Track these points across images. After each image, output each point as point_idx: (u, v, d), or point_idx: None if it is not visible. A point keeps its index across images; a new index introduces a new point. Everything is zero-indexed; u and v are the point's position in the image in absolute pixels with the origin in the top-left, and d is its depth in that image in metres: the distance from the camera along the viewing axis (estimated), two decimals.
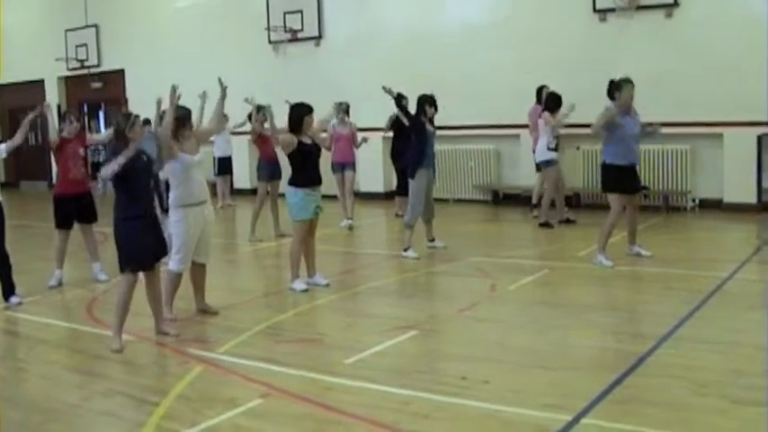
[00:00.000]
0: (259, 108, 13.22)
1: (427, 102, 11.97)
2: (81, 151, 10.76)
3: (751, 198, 14.70)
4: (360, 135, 14.75)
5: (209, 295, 9.09)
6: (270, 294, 10.14)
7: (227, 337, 7.99)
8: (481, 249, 12.14)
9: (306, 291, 9.73)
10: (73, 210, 10.53)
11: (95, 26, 24.67)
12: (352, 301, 9.71)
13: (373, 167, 18.11)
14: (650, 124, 10.94)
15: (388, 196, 18.57)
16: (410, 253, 11.60)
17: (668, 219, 14.67)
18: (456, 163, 17.94)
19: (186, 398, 6.39)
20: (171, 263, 8.54)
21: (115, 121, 8.02)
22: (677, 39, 15.01)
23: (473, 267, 10.96)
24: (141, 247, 7.69)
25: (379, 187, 18.47)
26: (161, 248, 8.00)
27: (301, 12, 19.83)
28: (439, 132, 17.41)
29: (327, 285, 9.99)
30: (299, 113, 9.79)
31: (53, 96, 26.36)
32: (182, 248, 8.48)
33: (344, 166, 14.57)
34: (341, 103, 14.30)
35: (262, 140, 13.63)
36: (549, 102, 14.00)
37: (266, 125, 13.02)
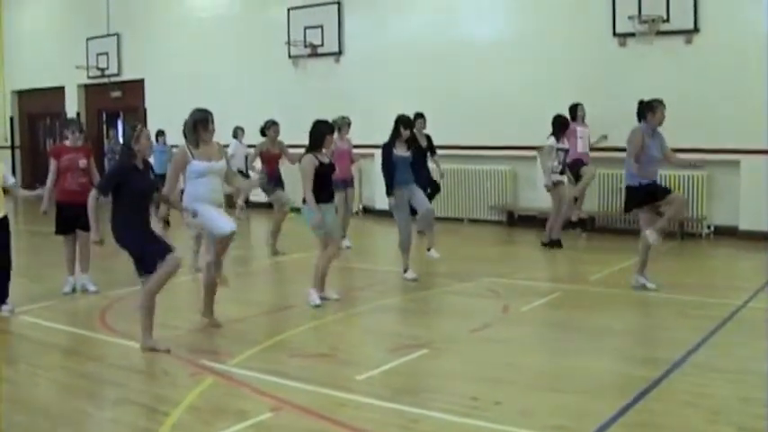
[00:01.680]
0: (271, 123, 13.53)
1: (402, 123, 11.61)
2: (82, 163, 10.67)
3: (766, 226, 14.65)
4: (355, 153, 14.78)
5: (222, 307, 9.10)
6: (283, 308, 10.14)
7: (239, 349, 7.99)
8: (495, 270, 12.13)
9: (318, 306, 9.75)
10: (72, 216, 10.44)
11: (117, 35, 24.77)
12: (364, 318, 9.71)
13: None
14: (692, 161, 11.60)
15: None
16: (409, 274, 11.48)
17: (683, 245, 14.62)
18: (471, 183, 17.91)
19: (197, 409, 6.40)
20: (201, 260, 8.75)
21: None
22: (696, 64, 15.00)
23: (486, 288, 10.95)
24: (152, 251, 7.80)
25: None
26: (167, 251, 7.97)
27: (322, 27, 19.89)
28: (454, 152, 17.56)
29: (338, 299, 10.12)
30: (322, 131, 9.81)
31: (72, 103, 26.52)
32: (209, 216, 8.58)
33: (347, 183, 14.29)
34: (343, 118, 14.23)
35: (268, 158, 13.75)
36: (555, 125, 14.02)
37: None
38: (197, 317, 9.17)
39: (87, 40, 25.35)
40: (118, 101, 25.51)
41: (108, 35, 24.87)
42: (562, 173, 14.13)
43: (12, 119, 28.43)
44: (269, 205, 14.75)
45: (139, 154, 7.82)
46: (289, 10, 20.35)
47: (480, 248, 14.37)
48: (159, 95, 23.63)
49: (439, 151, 16.58)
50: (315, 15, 19.96)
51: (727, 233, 15.06)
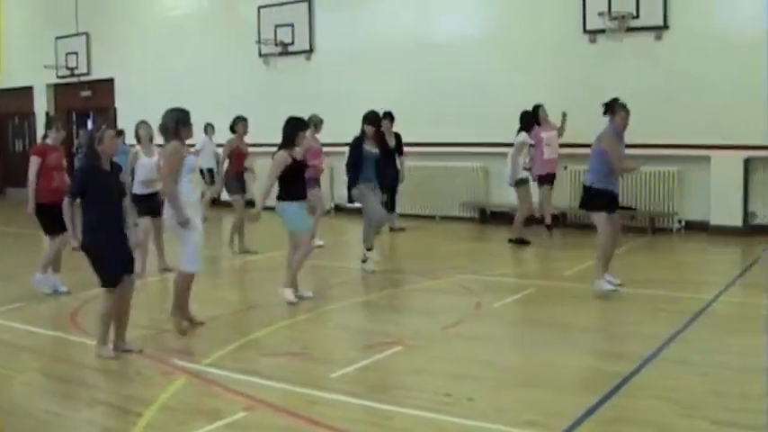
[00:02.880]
0: (240, 119, 13.46)
1: (365, 120, 11.79)
2: (64, 161, 10.71)
3: (737, 221, 14.77)
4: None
5: (192, 307, 9.06)
6: (255, 307, 10.13)
7: (211, 348, 7.96)
8: (467, 267, 12.14)
9: (294, 303, 9.74)
10: (58, 215, 10.28)
11: (86, 34, 24.63)
12: (337, 316, 9.71)
13: None
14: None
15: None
16: (368, 265, 11.85)
17: (654, 240, 14.72)
18: (443, 180, 17.92)
19: (170, 409, 6.37)
20: (186, 267, 8.54)
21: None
22: (666, 61, 15.07)
23: (458, 284, 10.96)
24: (114, 261, 7.67)
25: None
26: (131, 263, 7.92)
27: (292, 25, 19.86)
28: (426, 149, 17.58)
29: (311, 297, 10.03)
30: (295, 128, 9.82)
31: (41, 103, 26.34)
32: (194, 250, 8.49)
33: (318, 182, 14.13)
34: (315, 116, 14.18)
35: (237, 155, 13.66)
36: (523, 121, 14.24)
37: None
38: (166, 316, 9.13)
39: (56, 39, 25.19)
40: (88, 100, 25.37)
41: (77, 34, 24.73)
42: (529, 169, 14.22)
43: None
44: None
45: (103, 155, 7.69)
46: (259, 8, 20.32)
47: (453, 245, 14.39)
48: (129, 95, 23.50)
49: (411, 148, 16.65)
50: (285, 13, 19.93)
51: (698, 228, 15.16)
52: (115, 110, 24.07)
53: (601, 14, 15.36)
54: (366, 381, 6.98)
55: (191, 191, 8.48)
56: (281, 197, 9.83)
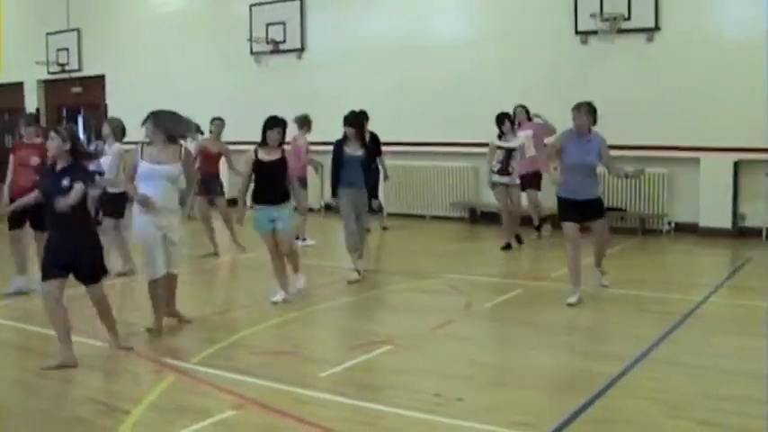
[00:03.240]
0: (213, 119, 13.31)
1: (346, 122, 11.57)
2: (33, 160, 10.41)
3: (726, 223, 14.81)
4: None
5: (182, 305, 9.04)
6: (244, 306, 10.13)
7: (200, 347, 7.96)
8: (456, 267, 12.16)
9: (275, 304, 9.70)
10: (25, 212, 9.89)
11: (77, 30, 24.53)
12: (326, 315, 9.71)
13: None
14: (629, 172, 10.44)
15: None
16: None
17: (644, 241, 14.75)
18: (433, 180, 17.92)
19: (158, 407, 6.37)
20: (145, 272, 8.53)
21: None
22: (658, 63, 15.09)
23: (448, 285, 10.97)
24: (50, 259, 7.46)
25: None
26: (81, 265, 7.56)
27: (284, 24, 19.81)
28: (416, 149, 17.58)
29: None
30: (264, 128, 9.84)
31: (32, 99, 26.27)
32: (149, 254, 8.39)
33: (304, 181, 14.06)
34: (305, 116, 14.13)
35: (204, 155, 13.32)
36: (496, 123, 13.75)
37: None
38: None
39: (47, 34, 25.08)
40: (79, 97, 25.29)
41: (68, 30, 24.62)
42: (502, 173, 13.61)
43: None
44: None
45: (50, 156, 7.51)
46: (251, 6, 20.26)
47: (442, 245, 14.39)
48: (120, 91, 23.43)
49: (401, 147, 16.67)
50: (277, 11, 19.88)
51: (688, 230, 15.19)
52: (106, 106, 24.01)
53: (592, 16, 15.37)
54: (355, 380, 6.98)
55: (164, 197, 8.34)
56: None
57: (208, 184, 13.33)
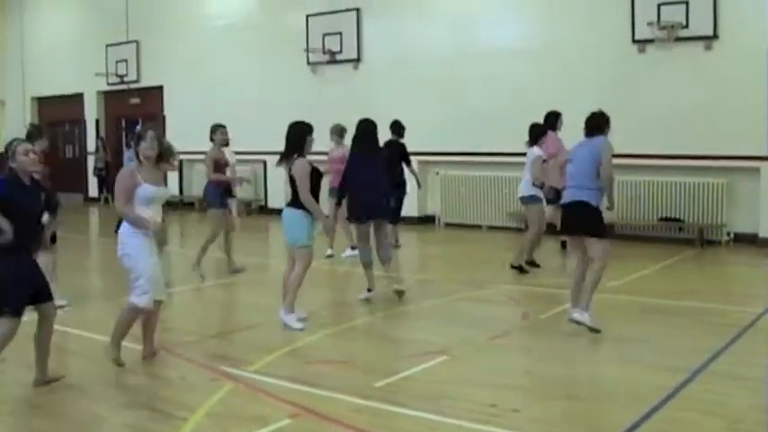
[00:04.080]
0: (216, 126, 12.66)
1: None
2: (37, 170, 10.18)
3: None
4: None
5: (240, 313, 9.09)
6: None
7: (257, 356, 8.00)
8: (513, 277, 12.10)
9: (302, 330, 9.07)
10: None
11: (136, 42, 24.88)
12: (383, 325, 9.72)
13: (408, 191, 17.93)
14: None
15: (421, 220, 18.57)
16: (365, 294, 10.62)
17: (703, 252, 14.57)
18: (490, 190, 17.86)
19: (215, 415, 6.41)
20: (133, 295, 7.68)
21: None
22: (715, 71, 14.93)
23: (505, 295, 10.94)
24: (15, 288, 6.86)
25: (413, 211, 18.42)
26: (44, 290, 7.16)
27: (341, 34, 19.90)
28: (472, 159, 17.56)
29: (301, 330, 9.13)
30: (301, 133, 9.22)
31: (92, 110, 26.64)
32: (146, 282, 7.63)
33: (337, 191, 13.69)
34: (337, 125, 14.05)
35: (217, 165, 12.59)
36: (531, 135, 12.82)
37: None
38: (215, 322, 9.19)
39: (107, 46, 25.48)
40: (137, 108, 25.60)
41: (127, 42, 24.99)
42: (542, 187, 12.59)
43: (31, 125, 28.48)
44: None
45: (19, 172, 6.86)
46: (308, 17, 20.37)
47: (499, 255, 14.28)
48: (178, 102, 23.70)
49: (456, 157, 16.68)
50: (334, 22, 19.97)
51: (747, 240, 14.99)
52: (164, 117, 24.26)
53: (650, 24, 15.26)
54: (411, 390, 6.97)
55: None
56: (290, 203, 9.27)
57: (224, 195, 12.67)
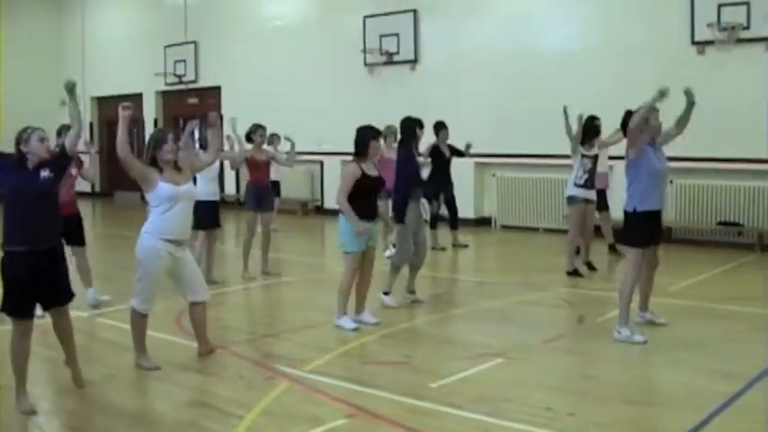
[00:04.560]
0: (256, 127, 12.62)
1: (419, 125, 10.85)
2: (73, 171, 10.05)
3: None
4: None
5: (296, 313, 9.13)
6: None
7: (313, 355, 8.04)
8: (569, 280, 12.02)
9: (356, 329, 9.09)
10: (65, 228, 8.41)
11: (194, 43, 25.10)
12: (438, 326, 9.72)
13: (464, 193, 17.93)
14: None
15: (476, 222, 18.52)
16: (387, 299, 10.31)
17: (762, 257, 14.36)
18: (546, 192, 17.74)
19: (270, 413, 6.45)
20: (132, 300, 7.84)
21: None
22: None
23: (561, 298, 10.89)
24: (17, 291, 6.60)
25: (469, 213, 18.40)
26: (55, 295, 6.90)
27: (398, 35, 19.90)
28: (529, 161, 17.49)
29: (377, 324, 9.33)
30: (365, 138, 9.17)
31: (150, 110, 26.92)
32: (144, 286, 7.72)
33: (390, 193, 13.64)
34: (389, 127, 13.98)
35: (253, 165, 12.51)
36: (584, 131, 12.78)
37: (270, 147, 12.75)
38: (271, 321, 9.24)
39: (165, 47, 25.74)
40: (195, 108, 25.80)
41: (186, 42, 25.22)
42: (588, 186, 12.57)
43: (91, 124, 28.89)
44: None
45: (30, 156, 6.72)
46: (364, 18, 20.41)
47: (555, 258, 14.19)
48: (235, 102, 23.83)
49: (513, 159, 16.76)
50: (390, 23, 19.99)
51: None
52: (221, 117, 24.42)
53: (710, 25, 15.09)
54: (466, 392, 6.96)
55: (169, 227, 7.67)
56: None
57: (258, 197, 12.54)
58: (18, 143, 6.76)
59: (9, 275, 6.58)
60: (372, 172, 9.22)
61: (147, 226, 7.67)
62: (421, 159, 10.69)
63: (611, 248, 14.11)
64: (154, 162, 7.73)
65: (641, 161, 8.63)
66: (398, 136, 11.46)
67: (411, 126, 10.68)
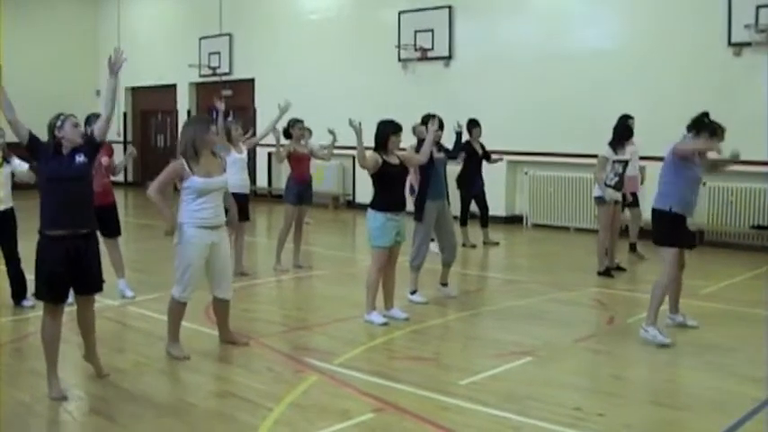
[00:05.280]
0: (294, 121, 12.53)
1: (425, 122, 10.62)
2: (104, 160, 10.03)
3: None
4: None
5: (326, 306, 9.14)
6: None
7: (343, 349, 8.06)
8: (600, 280, 11.97)
9: (386, 324, 9.11)
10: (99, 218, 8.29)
11: (229, 35, 25.17)
12: (468, 323, 9.70)
13: (496, 191, 17.89)
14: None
15: (507, 220, 18.48)
16: (417, 297, 10.32)
17: None
18: (578, 192, 17.65)
19: (299, 406, 6.48)
20: (173, 288, 7.95)
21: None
22: None
23: (591, 298, 10.85)
24: (52, 276, 6.69)
25: (500, 211, 18.36)
26: (87, 281, 6.95)
27: (432, 31, 19.87)
28: (561, 160, 17.43)
29: (407, 319, 9.38)
30: (384, 132, 9.23)
31: (184, 101, 27.04)
32: (185, 274, 7.79)
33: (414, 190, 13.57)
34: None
35: (296, 159, 12.50)
36: (614, 134, 12.62)
37: (303, 142, 12.71)
38: (301, 314, 9.26)
39: (200, 39, 25.84)
40: (228, 99, 25.85)
41: (220, 35, 25.30)
42: (618, 188, 12.37)
43: (125, 114, 29.05)
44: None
45: (65, 142, 6.78)
46: (399, 13, 20.39)
47: (586, 257, 14.12)
48: (269, 95, 23.85)
49: (545, 158, 16.68)
50: (425, 19, 19.95)
51: None
52: (255, 110, 24.51)
53: (747, 27, 14.95)
54: (495, 390, 6.95)
55: (203, 215, 7.73)
56: (371, 204, 9.32)
57: (296, 191, 12.55)
58: (52, 129, 6.84)
59: (46, 259, 6.66)
60: (394, 160, 9.27)
61: (181, 216, 7.73)
62: (442, 155, 10.61)
63: (633, 248, 14.02)
64: (194, 151, 7.67)
65: (686, 165, 8.51)
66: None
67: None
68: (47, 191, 6.72)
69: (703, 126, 8.65)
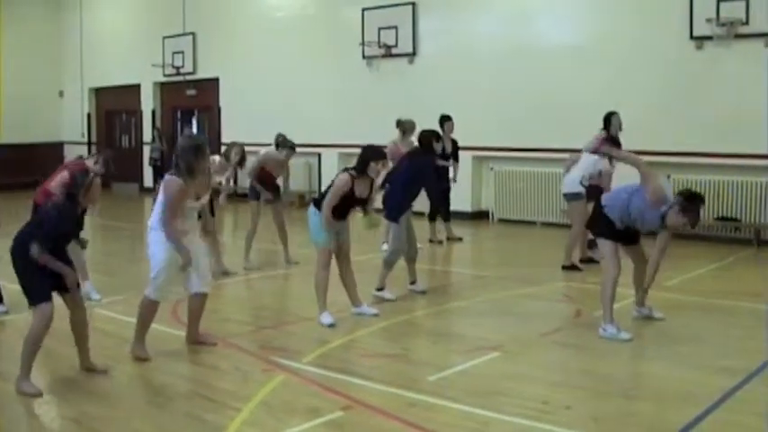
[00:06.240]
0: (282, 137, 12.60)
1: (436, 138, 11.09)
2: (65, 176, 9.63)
3: None
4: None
5: (294, 305, 9.12)
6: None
7: (311, 347, 8.05)
8: (567, 274, 12.03)
9: (333, 326, 8.94)
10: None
11: (192, 34, 25.05)
12: (436, 320, 9.71)
13: (461, 186, 17.85)
14: None
15: (473, 216, 18.50)
16: (385, 293, 10.32)
17: (759, 252, 14.36)
18: (544, 186, 17.69)
19: (268, 405, 6.46)
20: (147, 289, 7.90)
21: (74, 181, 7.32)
22: None
23: (558, 292, 10.90)
24: (40, 275, 6.91)
25: (466, 207, 18.40)
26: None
27: (396, 28, 19.85)
28: (526, 155, 17.49)
29: (377, 315, 9.37)
30: (365, 156, 9.08)
31: (148, 101, 26.91)
32: (159, 274, 7.78)
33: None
34: (409, 121, 14.02)
35: (264, 174, 12.75)
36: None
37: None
38: (268, 314, 9.23)
39: (163, 38, 25.69)
40: (192, 99, 25.80)
41: (184, 34, 25.18)
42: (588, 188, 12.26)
43: (89, 115, 28.88)
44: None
45: (86, 204, 7.32)
46: (363, 10, 20.36)
47: (553, 252, 14.17)
48: (233, 94, 23.85)
49: (511, 153, 16.68)
50: (389, 16, 19.92)
51: None
52: (219, 109, 24.43)
53: (709, 21, 15.04)
54: (463, 385, 6.97)
55: (179, 223, 7.75)
56: (316, 202, 9.26)
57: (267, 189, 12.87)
58: (77, 190, 7.18)
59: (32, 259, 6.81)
60: (362, 193, 9.15)
61: (154, 222, 7.75)
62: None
63: (591, 245, 13.96)
64: (190, 170, 7.60)
65: (653, 208, 8.77)
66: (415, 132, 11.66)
67: (429, 139, 10.89)
68: (48, 237, 6.92)
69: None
